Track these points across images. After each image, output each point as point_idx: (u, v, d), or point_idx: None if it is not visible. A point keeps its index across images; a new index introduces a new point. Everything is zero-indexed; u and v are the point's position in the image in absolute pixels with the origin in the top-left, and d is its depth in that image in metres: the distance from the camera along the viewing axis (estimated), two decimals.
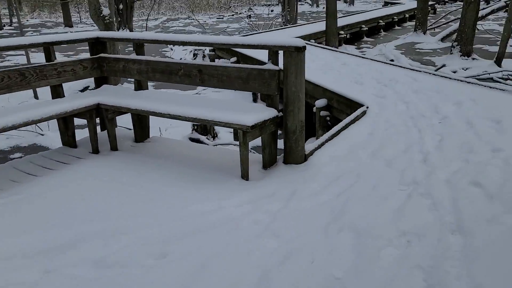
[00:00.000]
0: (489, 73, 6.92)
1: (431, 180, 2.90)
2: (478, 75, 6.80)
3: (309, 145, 3.53)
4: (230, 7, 35.02)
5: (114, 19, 16.80)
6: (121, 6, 16.88)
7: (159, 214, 2.62)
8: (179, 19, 29.47)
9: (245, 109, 3.26)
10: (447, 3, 33.95)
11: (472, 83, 5.34)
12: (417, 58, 11.24)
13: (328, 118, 5.33)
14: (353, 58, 7.85)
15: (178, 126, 6.20)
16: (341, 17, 18.74)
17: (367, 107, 4.50)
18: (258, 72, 3.24)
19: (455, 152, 3.33)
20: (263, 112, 3.18)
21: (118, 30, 16.97)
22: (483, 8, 14.14)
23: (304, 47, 3.12)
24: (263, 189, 2.93)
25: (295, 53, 3.12)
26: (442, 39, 13.55)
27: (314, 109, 5.47)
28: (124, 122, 5.24)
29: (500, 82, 6.82)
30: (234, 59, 9.57)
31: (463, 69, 9.22)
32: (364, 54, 12.23)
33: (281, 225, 2.42)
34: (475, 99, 4.66)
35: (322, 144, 3.63)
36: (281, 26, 17.72)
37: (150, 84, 6.53)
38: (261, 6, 37.42)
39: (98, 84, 4.24)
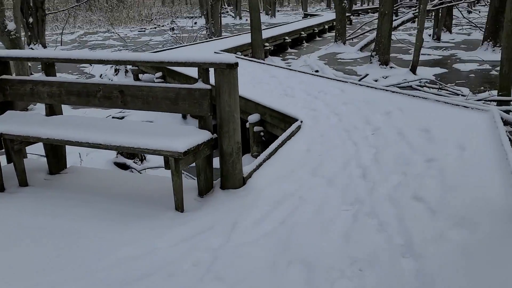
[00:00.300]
0: (408, 81, 7.28)
1: (373, 197, 2.83)
2: (399, 84, 7.13)
3: (247, 167, 3.32)
4: (151, 19, 34.13)
5: (24, 33, 15.43)
6: (31, 20, 15.57)
7: (80, 265, 2.23)
8: (98, 33, 28.05)
9: (176, 132, 2.96)
10: (360, 14, 36.19)
11: (396, 92, 5.52)
12: (340, 68, 11.64)
13: (262, 134, 5.19)
14: (281, 70, 7.85)
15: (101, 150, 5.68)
16: (265, 29, 19.01)
17: (301, 122, 4.42)
18: (188, 91, 2.96)
19: (392, 165, 3.32)
20: (196, 136, 2.91)
21: (29, 46, 15.63)
22: (395, 20, 15.12)
23: (236, 64, 2.91)
24: (200, 221, 2.65)
25: (227, 71, 2.90)
26: (361, 49, 14.23)
27: (247, 125, 5.30)
28: (37, 149, 4.65)
29: (418, 90, 7.20)
30: (159, 74, 9.15)
31: (383, 77, 9.68)
32: (290, 66, 12.45)
33: (224, 265, 2.17)
34: (402, 108, 4.79)
35: (260, 164, 3.44)
36: (206, 38, 17.53)
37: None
38: (184, 18, 36.95)
39: (1, 110, 3.67)
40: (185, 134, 2.92)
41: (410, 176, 3.09)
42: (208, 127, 3.06)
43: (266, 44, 14.08)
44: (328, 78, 6.80)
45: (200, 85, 2.96)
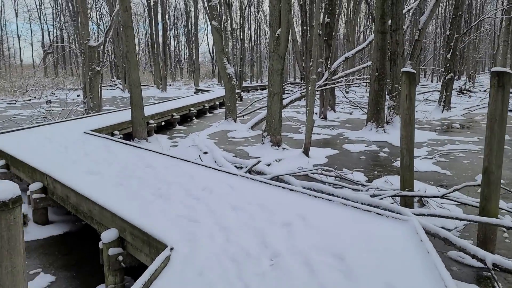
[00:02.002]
0: (304, 170, 6.54)
1: None
2: (295, 173, 6.32)
3: None
4: (26, 91, 30.76)
5: None
6: None
7: None
8: None
9: None
10: (250, 91, 37.43)
11: (295, 190, 4.56)
12: (231, 148, 10.78)
13: (121, 258, 3.69)
14: (160, 157, 6.55)
15: None
16: (152, 104, 17.87)
17: (172, 249, 3.08)
18: None
19: None
20: None
21: None
22: (284, 98, 15.17)
23: (18, 200, 1.54)
24: None
25: None
26: (252, 127, 13.75)
27: (101, 245, 3.77)
28: None
29: (315, 179, 6.46)
30: (2, 161, 7.15)
31: (276, 160, 8.96)
32: (177, 145, 11.25)
33: None
34: (304, 216, 3.77)
35: None
36: (83, 114, 15.64)
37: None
38: (68, 90, 34.21)
39: None
40: None
41: None
42: None
43: (151, 121, 12.81)
44: (215, 169, 5.67)
45: None
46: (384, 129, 12.31)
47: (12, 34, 66.44)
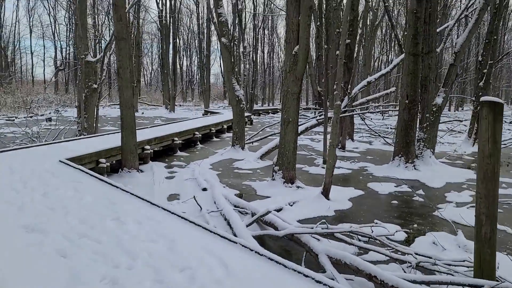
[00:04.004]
0: (330, 230, 4.87)
1: None
2: (316, 232, 4.67)
3: None
4: (29, 107, 29.74)
5: None
6: None
7: None
8: None
9: None
10: (261, 114, 36.02)
11: (315, 280, 2.91)
12: (235, 183, 9.17)
13: None
14: (137, 203, 4.97)
15: None
16: (154, 126, 16.44)
17: None
18: None
19: None
20: None
21: None
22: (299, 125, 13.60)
23: None
24: None
25: None
26: (261, 157, 12.16)
27: None
28: None
29: (345, 242, 4.79)
30: None
31: (289, 204, 7.30)
32: (174, 177, 9.67)
33: None
34: None
35: None
36: (77, 135, 14.24)
37: None
38: (75, 107, 33.20)
39: None
40: None
41: None
42: None
43: (147, 147, 11.30)
44: (206, 230, 4.04)
45: None
46: (414, 165, 10.61)
47: (26, 50, 66.68)
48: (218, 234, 3.84)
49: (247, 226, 5.65)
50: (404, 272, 4.31)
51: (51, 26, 50.08)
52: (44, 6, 57.41)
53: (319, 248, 4.42)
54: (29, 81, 53.49)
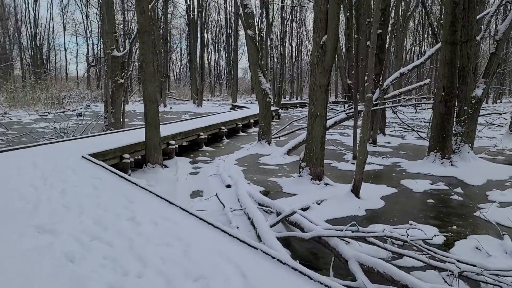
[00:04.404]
0: (362, 232, 4.48)
1: None
2: (346, 236, 4.28)
3: None
4: (62, 103, 30.41)
5: None
6: None
7: None
8: None
9: None
10: (289, 108, 35.49)
11: None
12: (261, 179, 8.86)
13: None
14: (155, 202, 4.73)
15: None
16: (180, 120, 16.34)
17: None
18: None
19: None
20: None
21: None
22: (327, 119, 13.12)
23: None
24: None
25: None
26: (288, 152, 11.78)
27: None
28: None
29: (378, 245, 4.38)
30: None
31: (317, 202, 6.93)
32: (198, 172, 9.45)
33: None
34: None
35: None
36: (103, 130, 14.30)
37: None
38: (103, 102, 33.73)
39: None
40: None
41: None
42: None
43: (172, 142, 11.14)
44: (224, 232, 3.74)
45: None
46: (451, 161, 9.96)
47: (60, 48, 68.55)
48: (238, 238, 3.53)
49: (271, 226, 5.33)
50: (445, 282, 3.87)
51: (83, 23, 51.12)
52: (77, 4, 58.75)
53: (349, 253, 4.04)
54: (63, 78, 54.91)
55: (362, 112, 7.35)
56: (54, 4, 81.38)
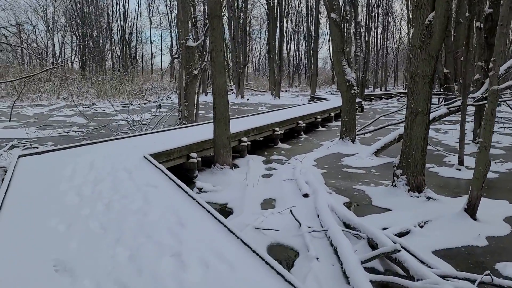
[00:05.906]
0: (493, 281, 3.06)
1: None
2: None
3: None
4: (144, 94, 31.30)
5: None
6: None
7: None
8: (81, 106, 24.82)
9: None
10: (373, 100, 33.03)
11: None
12: (344, 186, 7.52)
13: None
14: (211, 228, 3.69)
15: None
16: (255, 114, 15.36)
17: None
18: None
19: None
20: None
21: None
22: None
23: None
24: None
25: None
26: (376, 152, 10.20)
27: None
28: None
29: None
30: None
31: (419, 225, 5.42)
32: (271, 175, 8.35)
33: None
34: None
35: None
36: (176, 123, 13.85)
37: None
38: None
39: None
40: None
41: None
42: None
43: (244, 138, 10.17)
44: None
45: None
46: None
47: (146, 41, 71.83)
48: None
49: (362, 262, 4.04)
50: None
51: (167, 16, 52.65)
52: None
53: None
54: (149, 70, 57.36)
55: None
56: None
